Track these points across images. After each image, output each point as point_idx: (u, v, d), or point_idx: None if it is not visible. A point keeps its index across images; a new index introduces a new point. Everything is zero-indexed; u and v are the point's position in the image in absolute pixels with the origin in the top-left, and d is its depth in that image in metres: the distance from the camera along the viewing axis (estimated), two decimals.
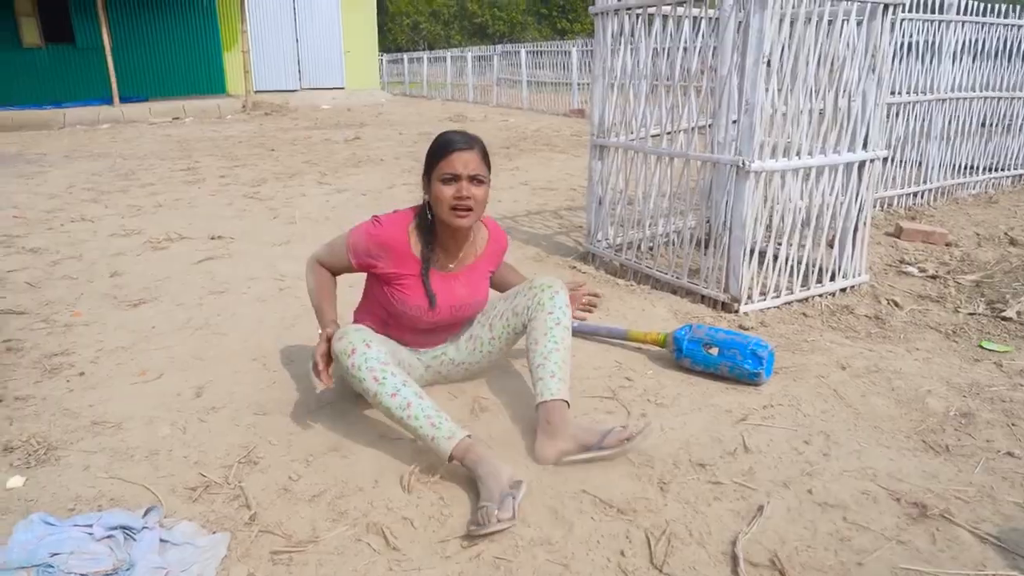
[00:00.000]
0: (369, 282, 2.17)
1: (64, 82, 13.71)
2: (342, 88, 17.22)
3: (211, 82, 15.29)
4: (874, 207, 5.14)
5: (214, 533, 1.59)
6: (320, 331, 2.02)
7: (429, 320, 2.09)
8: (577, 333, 2.74)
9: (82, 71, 13.79)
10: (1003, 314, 3.13)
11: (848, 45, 3.07)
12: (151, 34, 14.45)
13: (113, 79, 12.48)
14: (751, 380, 2.33)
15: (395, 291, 2.04)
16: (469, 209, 1.91)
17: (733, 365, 2.33)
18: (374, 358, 1.83)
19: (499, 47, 17.41)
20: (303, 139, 9.58)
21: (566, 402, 1.93)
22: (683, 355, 2.42)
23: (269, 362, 2.52)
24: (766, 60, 2.81)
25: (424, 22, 43.32)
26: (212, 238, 4.27)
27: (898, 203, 5.35)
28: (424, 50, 26.12)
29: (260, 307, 3.09)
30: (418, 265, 2.02)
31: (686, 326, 2.48)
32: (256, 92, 14.56)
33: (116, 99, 12.56)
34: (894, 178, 5.27)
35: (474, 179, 1.91)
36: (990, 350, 2.78)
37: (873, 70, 3.16)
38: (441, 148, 1.91)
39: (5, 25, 13.16)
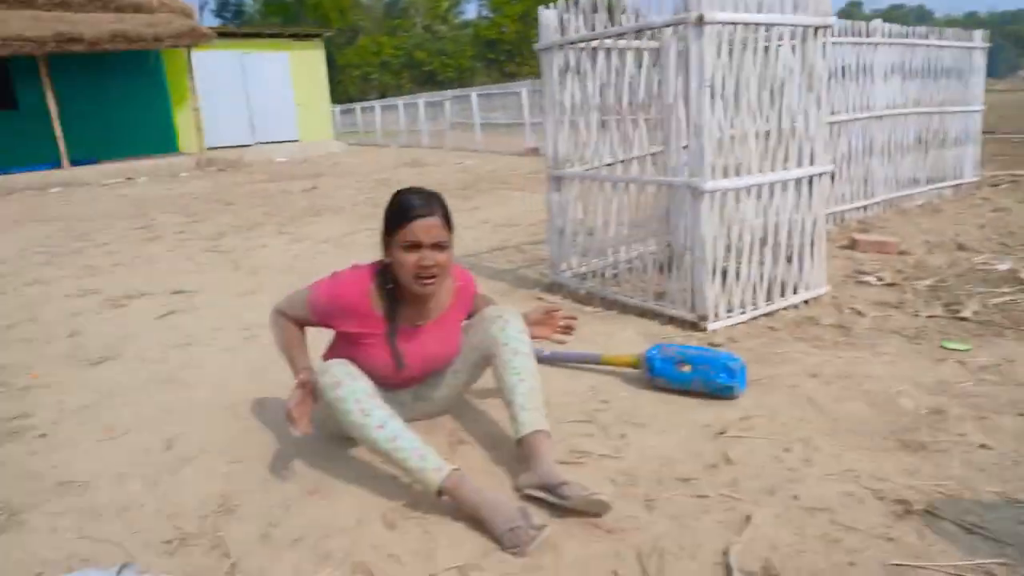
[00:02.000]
0: (336, 334, 2.10)
1: (8, 148, 13.45)
2: (296, 141, 17.24)
3: (163, 141, 15.18)
4: (827, 222, 5.29)
5: None
6: (296, 378, 1.93)
7: (399, 378, 2.06)
8: (550, 361, 2.74)
9: (27, 136, 13.55)
10: (960, 315, 3.22)
11: (785, 67, 3.18)
12: (98, 96, 14.32)
13: (61, 142, 12.30)
14: (725, 394, 2.35)
15: (360, 350, 1.97)
16: (433, 276, 1.86)
17: (706, 381, 2.35)
18: (361, 390, 1.80)
19: (450, 92, 17.67)
20: (260, 191, 9.53)
21: (541, 431, 1.89)
22: (656, 374, 2.44)
23: (240, 410, 2.46)
24: (709, 85, 2.90)
25: (374, 73, 43.80)
26: (174, 293, 4.19)
27: (849, 217, 5.52)
28: (376, 99, 26.33)
29: (227, 357, 3.03)
30: (382, 324, 1.95)
31: (656, 346, 2.50)
32: (209, 149, 14.48)
33: (65, 162, 12.36)
34: (843, 194, 5.44)
35: (437, 246, 1.83)
36: (951, 349, 2.85)
37: (811, 89, 3.28)
38: (400, 214, 1.82)
39: None
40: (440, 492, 1.72)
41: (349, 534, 1.71)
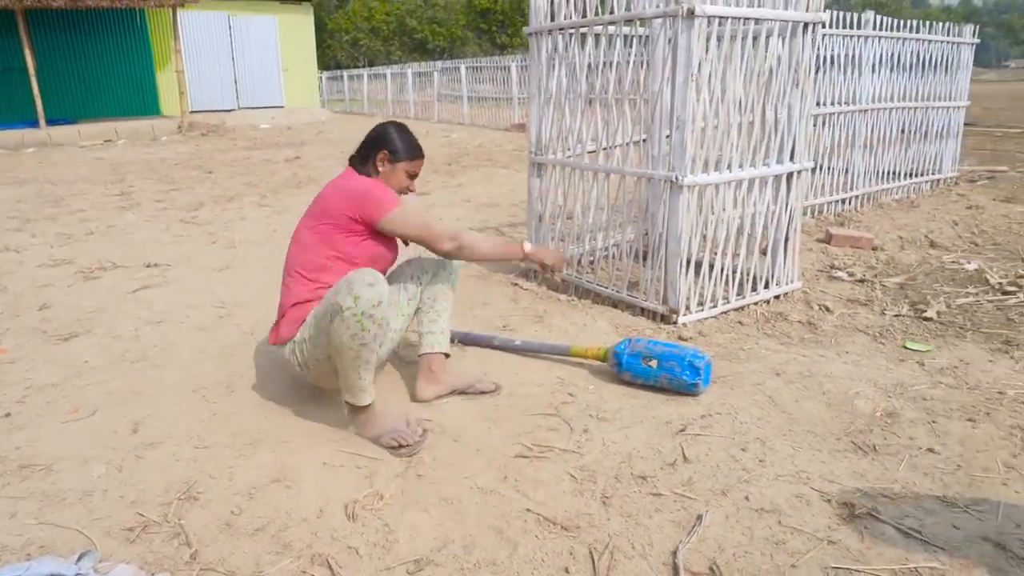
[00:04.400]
0: (342, 246, 2.23)
1: None
2: (281, 107, 17.01)
3: (144, 103, 14.93)
4: (805, 214, 5.33)
5: (153, 575, 1.56)
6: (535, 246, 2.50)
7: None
8: (521, 351, 2.77)
9: (4, 92, 13.28)
10: (924, 314, 3.28)
11: (773, 61, 3.19)
12: (79, 54, 14.04)
13: (38, 101, 12.03)
14: (689, 391, 2.40)
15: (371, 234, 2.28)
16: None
17: (672, 377, 2.39)
18: (382, 316, 1.99)
19: (439, 63, 17.46)
20: (242, 160, 9.42)
21: (446, 354, 2.42)
22: (623, 369, 2.47)
23: (210, 393, 2.47)
24: (695, 78, 2.90)
25: (364, 38, 43.08)
26: (148, 266, 4.16)
27: (827, 210, 5.57)
28: (364, 66, 25.95)
29: (200, 336, 3.03)
30: None
31: (625, 340, 2.54)
32: (192, 112, 14.25)
33: (42, 121, 12.12)
34: (823, 186, 5.49)
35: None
36: (913, 350, 2.91)
37: (797, 84, 3.29)
38: (414, 151, 2.36)
39: None
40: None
41: (310, 524, 1.74)
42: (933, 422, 2.24)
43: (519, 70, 14.19)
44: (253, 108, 16.48)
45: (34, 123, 12.24)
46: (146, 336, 3.04)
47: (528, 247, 2.45)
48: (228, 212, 5.81)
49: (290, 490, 1.89)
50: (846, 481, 1.92)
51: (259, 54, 16.63)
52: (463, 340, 2.86)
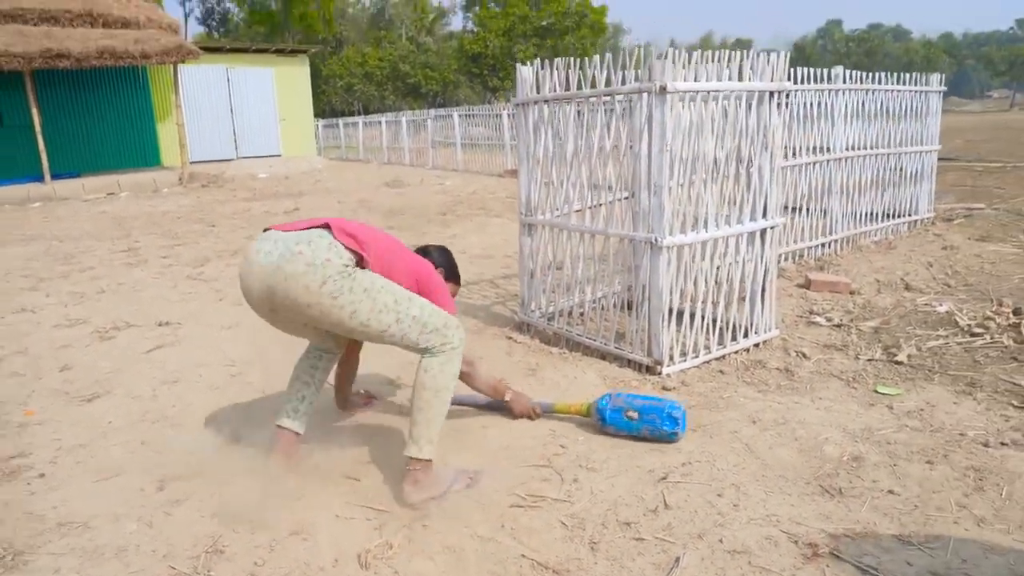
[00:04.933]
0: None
1: None
2: (278, 156, 17.40)
3: (145, 155, 15.29)
4: (786, 259, 5.58)
5: None
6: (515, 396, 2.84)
7: None
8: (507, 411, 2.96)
9: (10, 149, 13.60)
10: (896, 358, 3.50)
11: (743, 127, 3.45)
12: (83, 110, 14.42)
13: (44, 156, 12.37)
14: (671, 439, 2.60)
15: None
16: None
17: (653, 428, 2.59)
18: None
19: (432, 111, 17.93)
20: (242, 212, 9.69)
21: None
22: (607, 424, 2.67)
23: (227, 452, 2.65)
24: (668, 148, 3.16)
25: (358, 84, 43.99)
26: (159, 324, 4.37)
27: (808, 254, 5.82)
28: (359, 113, 26.61)
29: (213, 396, 3.23)
30: None
31: (606, 395, 2.74)
32: (192, 163, 14.60)
33: (47, 176, 12.44)
34: (803, 230, 5.74)
35: None
36: (883, 393, 3.12)
37: (766, 147, 3.56)
38: (458, 276, 2.92)
39: None
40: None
41: (327, 574, 1.93)
42: (895, 465, 2.44)
43: (510, 117, 14.60)
44: (251, 158, 16.86)
45: (39, 178, 12.55)
46: (163, 396, 3.24)
47: (509, 396, 2.84)
48: (232, 268, 6.03)
49: (307, 542, 2.07)
50: (812, 523, 2.12)
51: (257, 105, 17.09)
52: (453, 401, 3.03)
